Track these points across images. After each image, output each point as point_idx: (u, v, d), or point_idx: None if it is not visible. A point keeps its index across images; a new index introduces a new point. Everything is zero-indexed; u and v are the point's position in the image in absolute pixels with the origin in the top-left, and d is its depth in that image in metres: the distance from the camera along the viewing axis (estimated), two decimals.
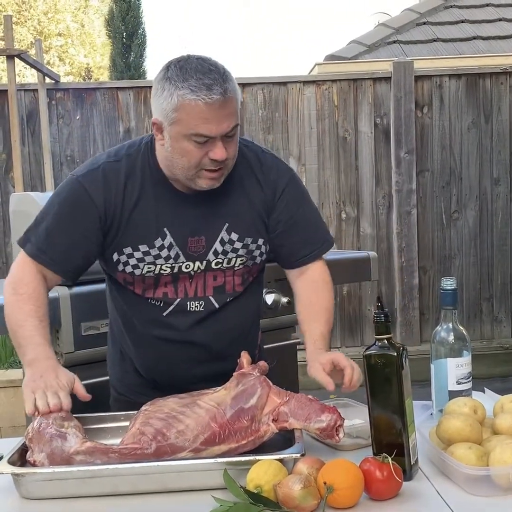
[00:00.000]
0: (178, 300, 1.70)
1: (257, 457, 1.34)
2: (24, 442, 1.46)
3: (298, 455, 1.35)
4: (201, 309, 1.71)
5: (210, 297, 1.72)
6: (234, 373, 1.56)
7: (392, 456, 1.29)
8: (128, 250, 1.66)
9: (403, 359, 1.37)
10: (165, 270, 1.67)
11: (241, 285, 1.75)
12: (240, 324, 1.78)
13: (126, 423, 1.52)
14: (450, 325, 1.59)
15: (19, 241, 1.71)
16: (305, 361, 1.67)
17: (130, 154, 1.69)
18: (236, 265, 1.72)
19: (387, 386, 1.36)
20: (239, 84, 5.63)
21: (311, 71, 6.69)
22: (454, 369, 1.56)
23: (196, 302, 1.71)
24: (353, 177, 5.39)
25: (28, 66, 5.67)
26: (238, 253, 1.71)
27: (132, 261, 1.66)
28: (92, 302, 2.60)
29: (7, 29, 4.58)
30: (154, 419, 1.42)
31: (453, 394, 1.55)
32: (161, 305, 1.70)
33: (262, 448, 1.44)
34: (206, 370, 1.71)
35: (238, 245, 1.70)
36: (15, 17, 14.48)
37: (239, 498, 1.23)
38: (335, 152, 5.37)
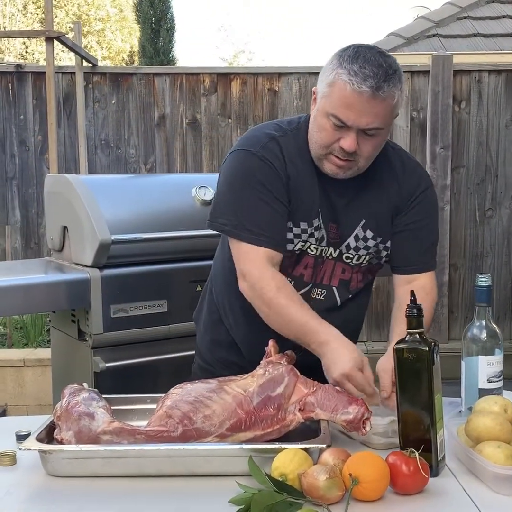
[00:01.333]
0: (310, 285, 1.71)
1: (283, 446, 1.34)
2: (52, 419, 1.47)
3: (324, 445, 1.34)
4: (322, 298, 1.72)
5: (334, 288, 1.73)
6: (262, 361, 1.56)
7: (419, 451, 1.27)
8: (289, 224, 1.66)
9: (435, 355, 1.35)
10: (312, 251, 1.69)
11: (362, 281, 1.77)
12: (351, 322, 1.79)
13: (153, 406, 1.53)
14: (483, 322, 1.56)
15: (227, 231, 1.67)
16: None
17: (292, 130, 1.70)
18: (363, 263, 1.73)
19: (417, 381, 1.35)
20: (274, 73, 5.62)
21: None
22: (486, 367, 1.54)
23: (319, 290, 1.72)
24: None
25: (65, 50, 5.70)
26: (369, 251, 1.72)
27: (289, 236, 1.67)
28: (122, 285, 2.62)
29: (47, 12, 4.61)
30: (181, 403, 1.42)
31: (483, 392, 1.53)
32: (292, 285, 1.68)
33: (287, 438, 1.44)
34: (304, 360, 1.63)
35: (371, 243, 1.71)
36: (55, 0, 14.58)
37: (263, 485, 1.23)
38: None
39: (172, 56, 9.15)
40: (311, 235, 1.67)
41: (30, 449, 1.36)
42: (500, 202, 5.37)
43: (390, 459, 1.27)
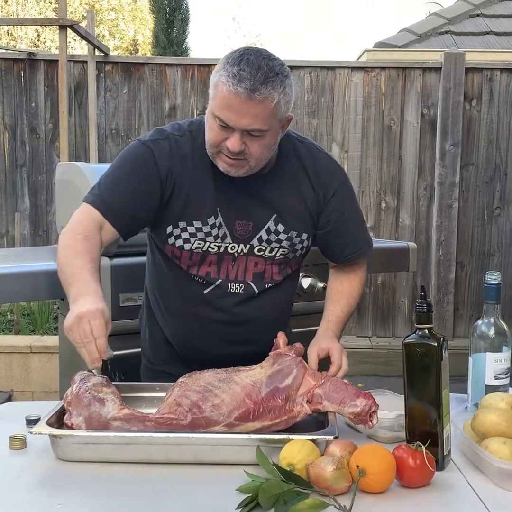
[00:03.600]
0: (219, 281, 1.74)
1: (291, 436, 1.35)
2: (62, 405, 1.49)
3: (331, 437, 1.35)
4: (241, 291, 1.75)
5: (250, 282, 1.76)
6: (271, 353, 1.58)
7: (426, 445, 1.29)
8: (182, 224, 1.69)
9: (443, 350, 1.36)
10: (212, 249, 1.71)
11: (279, 273, 1.79)
12: (276, 310, 1.83)
13: (162, 394, 1.54)
14: (492, 319, 1.57)
15: (84, 198, 1.72)
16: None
17: (191, 131, 1.73)
18: (276, 255, 1.76)
19: (425, 375, 1.36)
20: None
21: (359, 57, 6.63)
22: (493, 364, 1.55)
23: (236, 285, 1.75)
24: (395, 166, 5.34)
25: (77, 39, 5.70)
26: (282, 244, 1.75)
27: (184, 235, 1.70)
28: (131, 274, 2.63)
29: (60, 0, 4.62)
30: (190, 392, 1.44)
31: (489, 389, 1.54)
32: (203, 282, 1.74)
33: (294, 429, 1.45)
34: (235, 351, 1.75)
35: (282, 237, 1.74)
36: None
37: (271, 475, 1.24)
38: (379, 141, 5.32)
39: (185, 47, 9.12)
40: (208, 234, 1.70)
41: (41, 433, 1.37)
42: (508, 200, 5.37)
43: (396, 452, 1.29)
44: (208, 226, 1.69)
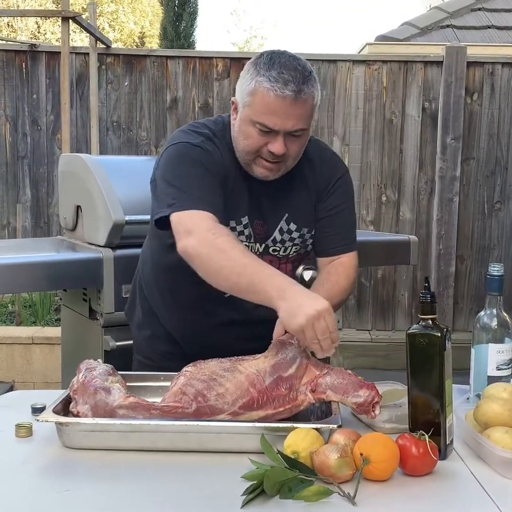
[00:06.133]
0: None
1: (295, 425, 1.36)
2: (68, 393, 1.50)
3: (335, 426, 1.37)
4: None
5: None
6: (273, 341, 1.57)
7: (429, 435, 1.30)
8: None
9: (446, 341, 1.37)
10: None
11: (292, 271, 1.81)
12: None
13: (167, 383, 1.55)
14: (494, 311, 1.58)
15: (167, 211, 1.61)
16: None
17: (219, 131, 1.72)
18: (290, 253, 1.78)
19: (428, 366, 1.37)
20: None
21: (361, 50, 6.62)
22: (495, 355, 1.56)
23: None
24: (396, 160, 5.34)
25: (77, 31, 5.69)
26: (294, 242, 1.77)
27: None
28: (134, 266, 2.64)
29: None
30: (195, 381, 1.45)
31: (492, 380, 1.55)
32: None
33: (298, 418, 1.46)
34: (244, 347, 1.64)
35: (295, 235, 1.76)
36: None
37: (275, 463, 1.25)
38: (380, 134, 5.32)
39: (192, 40, 9.11)
40: (241, 233, 1.71)
41: (48, 421, 1.39)
42: (509, 195, 5.37)
43: (400, 440, 1.30)
44: (242, 225, 1.71)
